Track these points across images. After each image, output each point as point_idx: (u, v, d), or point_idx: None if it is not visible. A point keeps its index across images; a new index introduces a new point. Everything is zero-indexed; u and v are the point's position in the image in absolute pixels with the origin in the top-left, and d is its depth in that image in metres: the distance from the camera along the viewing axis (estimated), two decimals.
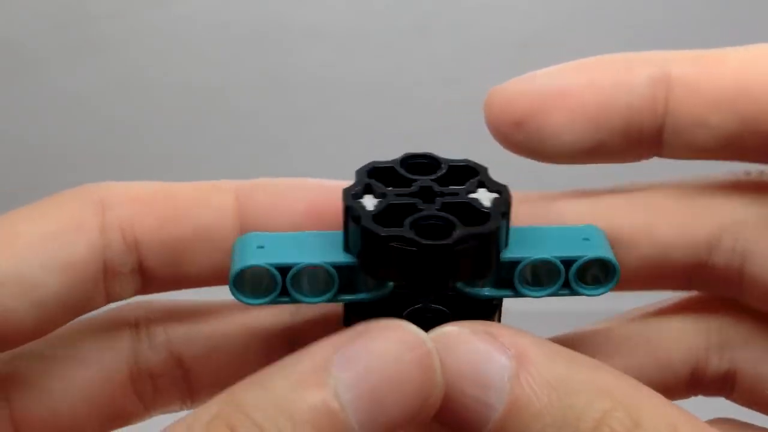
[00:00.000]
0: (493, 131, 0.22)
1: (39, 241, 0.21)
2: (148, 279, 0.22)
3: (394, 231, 0.18)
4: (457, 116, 0.64)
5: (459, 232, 0.18)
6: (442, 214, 0.19)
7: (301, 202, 0.22)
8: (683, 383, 0.24)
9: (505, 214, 0.19)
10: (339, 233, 0.20)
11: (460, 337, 0.19)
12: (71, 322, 0.22)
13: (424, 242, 0.18)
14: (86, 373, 0.23)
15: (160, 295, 0.23)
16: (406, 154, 0.21)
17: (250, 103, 0.64)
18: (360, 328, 0.18)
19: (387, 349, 0.18)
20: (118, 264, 0.22)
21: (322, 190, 0.21)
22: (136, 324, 0.23)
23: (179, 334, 0.23)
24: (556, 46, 0.62)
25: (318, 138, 0.64)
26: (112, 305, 0.23)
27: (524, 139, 0.22)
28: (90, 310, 0.22)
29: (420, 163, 0.21)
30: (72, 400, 0.22)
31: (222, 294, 0.22)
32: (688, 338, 0.24)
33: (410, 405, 0.18)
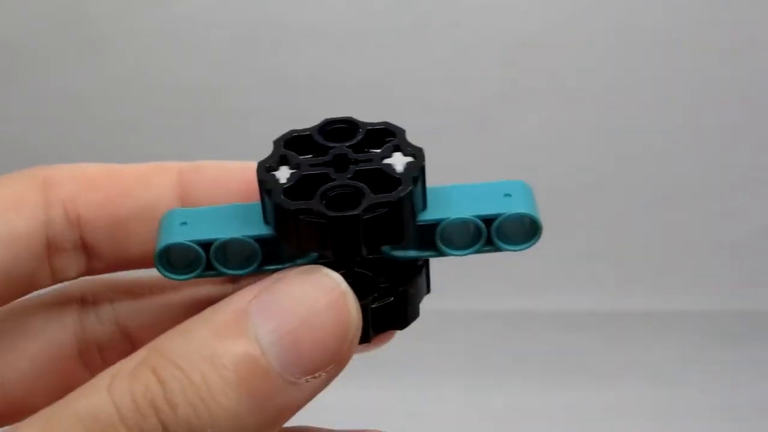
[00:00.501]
0: None
1: None
2: (92, 257, 0.23)
3: (302, 204, 0.19)
4: (457, 116, 0.64)
5: (366, 201, 0.19)
6: (353, 182, 0.19)
7: (239, 181, 0.22)
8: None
9: (418, 178, 0.19)
10: (259, 204, 0.20)
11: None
12: (19, 299, 0.22)
13: (331, 214, 0.18)
14: (34, 345, 0.23)
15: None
16: (325, 120, 0.21)
17: (250, 103, 0.64)
18: (277, 275, 0.19)
19: (302, 293, 0.18)
20: (61, 240, 0.22)
21: None
22: (82, 298, 0.24)
23: (125, 306, 0.24)
24: (556, 46, 0.62)
25: None
26: (59, 286, 0.23)
27: None
28: (36, 288, 0.23)
29: (339, 128, 0.21)
30: (21, 372, 0.23)
31: None
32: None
33: (329, 346, 0.18)
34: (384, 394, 0.63)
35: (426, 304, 0.23)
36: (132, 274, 0.24)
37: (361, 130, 0.21)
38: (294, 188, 0.19)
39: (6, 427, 0.20)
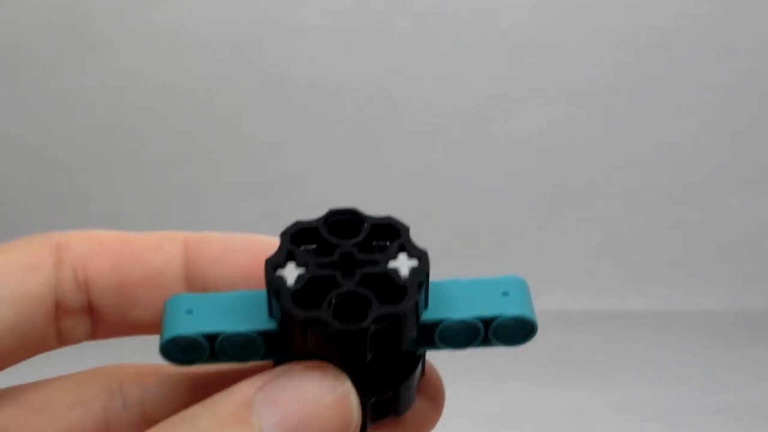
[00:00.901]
0: None
1: None
2: (97, 321, 0.23)
3: (311, 314, 0.19)
4: (457, 116, 0.64)
5: (374, 312, 0.19)
6: (360, 290, 0.20)
7: (245, 255, 0.23)
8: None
9: (423, 284, 0.20)
10: (264, 294, 0.20)
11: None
12: (54, 377, 0.23)
13: (340, 327, 0.19)
14: (54, 428, 0.23)
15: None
16: (329, 211, 0.21)
17: (249, 102, 0.64)
18: (283, 367, 0.20)
19: (307, 388, 0.19)
20: (69, 302, 0.22)
21: (269, 245, 0.22)
22: (109, 386, 0.24)
23: (153, 395, 0.24)
24: (556, 47, 0.62)
25: (317, 138, 0.64)
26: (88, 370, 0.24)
27: None
28: (44, 350, 0.23)
29: (343, 220, 0.21)
30: None
31: None
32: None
33: None
34: None
35: None
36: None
37: (365, 225, 0.21)
38: (301, 292, 0.20)
39: None
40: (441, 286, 0.21)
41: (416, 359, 0.22)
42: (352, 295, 0.19)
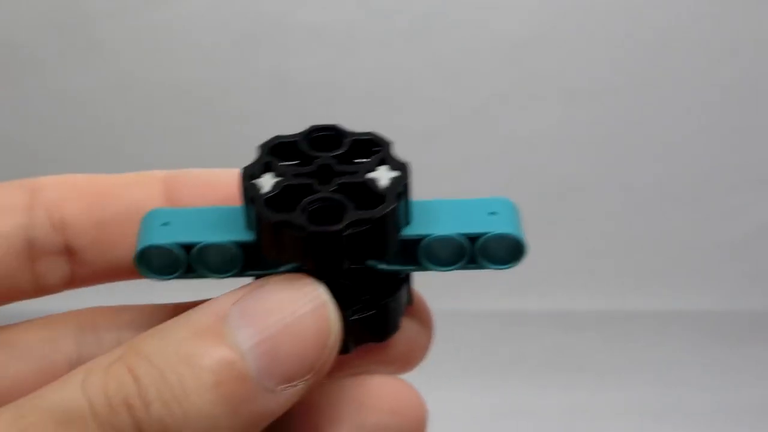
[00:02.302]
0: None
1: None
2: (77, 264, 0.22)
3: (284, 216, 0.19)
4: (457, 116, 0.64)
5: (349, 216, 0.18)
6: (336, 196, 0.19)
7: (225, 185, 0.22)
8: None
9: (402, 194, 0.19)
10: (242, 208, 0.20)
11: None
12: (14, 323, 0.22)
13: (311, 229, 0.18)
14: (23, 365, 0.22)
15: None
16: (311, 126, 0.21)
17: (250, 102, 0.64)
18: (260, 281, 0.19)
19: (283, 300, 0.18)
20: (44, 243, 0.22)
21: None
22: (80, 325, 0.23)
23: (129, 334, 0.23)
24: (556, 47, 0.62)
25: None
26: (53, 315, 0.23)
27: None
28: (19, 297, 0.22)
29: (325, 136, 0.20)
30: (3, 392, 0.22)
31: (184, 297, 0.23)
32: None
33: (307, 354, 0.18)
34: None
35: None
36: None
37: (347, 139, 0.20)
38: (277, 198, 0.19)
39: None
40: (426, 205, 0.20)
41: (401, 280, 0.21)
42: (327, 201, 0.19)
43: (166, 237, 0.20)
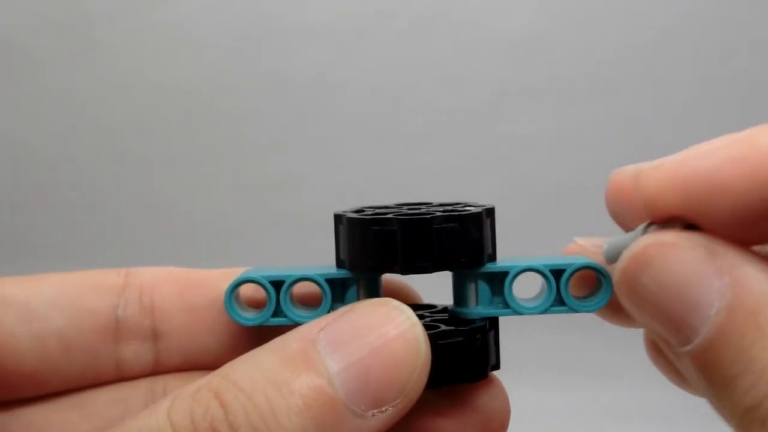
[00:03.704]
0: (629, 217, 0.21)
1: (55, 282, 0.21)
2: (162, 350, 0.22)
3: (375, 216, 0.20)
4: (457, 116, 0.64)
5: (437, 219, 0.19)
6: (424, 209, 0.20)
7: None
8: None
9: (490, 211, 0.20)
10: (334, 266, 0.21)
11: (675, 248, 0.18)
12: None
13: (403, 217, 0.19)
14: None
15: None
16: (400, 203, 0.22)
17: (250, 102, 0.64)
18: (345, 307, 0.19)
19: (370, 324, 0.18)
20: (132, 325, 0.22)
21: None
22: (153, 390, 0.23)
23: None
24: (556, 46, 0.62)
25: (318, 138, 0.64)
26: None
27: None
28: (99, 378, 0.22)
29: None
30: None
31: None
32: None
33: (397, 376, 0.18)
34: None
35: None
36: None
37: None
38: (365, 216, 0.20)
39: None
40: (509, 258, 0.21)
41: (488, 327, 0.21)
42: (415, 212, 0.20)
43: (257, 273, 0.20)
